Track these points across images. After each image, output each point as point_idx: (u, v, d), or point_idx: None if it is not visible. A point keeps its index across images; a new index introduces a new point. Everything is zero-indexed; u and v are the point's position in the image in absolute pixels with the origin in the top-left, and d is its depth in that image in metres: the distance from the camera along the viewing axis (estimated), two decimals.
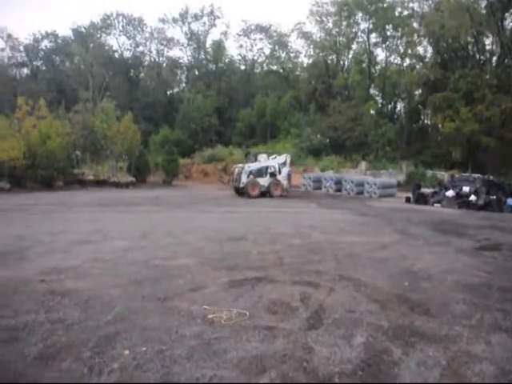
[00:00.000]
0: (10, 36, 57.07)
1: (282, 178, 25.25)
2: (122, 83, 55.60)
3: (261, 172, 24.99)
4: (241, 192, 24.45)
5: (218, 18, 58.41)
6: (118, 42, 61.09)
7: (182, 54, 61.96)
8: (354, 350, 4.56)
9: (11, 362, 4.14)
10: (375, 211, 18.51)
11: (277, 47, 58.47)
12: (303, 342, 4.71)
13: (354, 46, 50.69)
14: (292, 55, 59.25)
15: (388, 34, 45.69)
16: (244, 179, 24.27)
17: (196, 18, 58.44)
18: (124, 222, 13.86)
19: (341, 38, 50.24)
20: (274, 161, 25.74)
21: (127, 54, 61.32)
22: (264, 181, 24.81)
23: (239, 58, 61.66)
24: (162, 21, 59.19)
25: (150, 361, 4.18)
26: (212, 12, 58.04)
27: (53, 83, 55.60)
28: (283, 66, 58.85)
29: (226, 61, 60.56)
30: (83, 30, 59.13)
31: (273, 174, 25.11)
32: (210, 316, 5.30)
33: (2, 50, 58.35)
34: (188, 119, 48.03)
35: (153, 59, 62.32)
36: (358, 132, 38.79)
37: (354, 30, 48.78)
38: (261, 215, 16.29)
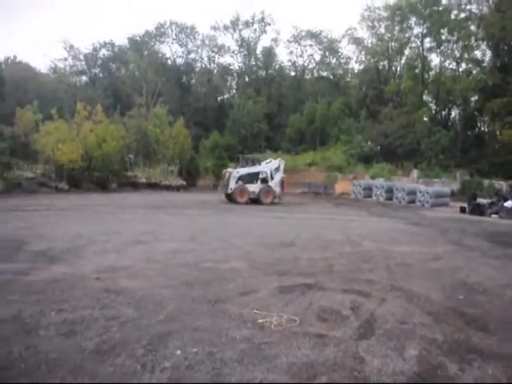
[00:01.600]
0: (71, 46, 60.32)
1: (274, 184, 24.01)
2: (174, 89, 57.01)
3: (251, 178, 23.77)
4: (230, 198, 23.32)
5: (269, 24, 58.88)
6: (170, 50, 62.84)
7: (233, 61, 62.95)
8: (406, 363, 4.40)
9: (70, 354, 4.28)
10: (428, 221, 17.93)
11: (327, 53, 58.15)
12: (354, 351, 4.60)
13: (407, 52, 49.60)
14: (342, 61, 58.82)
15: (443, 38, 44.31)
16: (232, 185, 23.12)
17: (247, 25, 59.19)
18: (175, 224, 14.15)
19: (393, 44, 49.30)
20: (267, 166, 24.48)
21: (179, 61, 62.98)
22: (254, 187, 23.61)
23: (289, 64, 61.86)
24: (214, 28, 60.41)
25: (200, 362, 4.20)
26: (263, 19, 58.55)
27: (109, 89, 57.81)
28: (333, 72, 58.41)
29: (276, 67, 60.84)
30: (138, 38, 61.24)
31: (264, 180, 23.96)
32: (260, 320, 5.28)
33: (65, 59, 61.58)
34: (238, 125, 48.59)
35: (204, 66, 63.60)
36: (410, 139, 37.83)
37: (406, 35, 47.71)
38: (310, 222, 16.17)
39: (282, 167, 24.61)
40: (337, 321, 5.43)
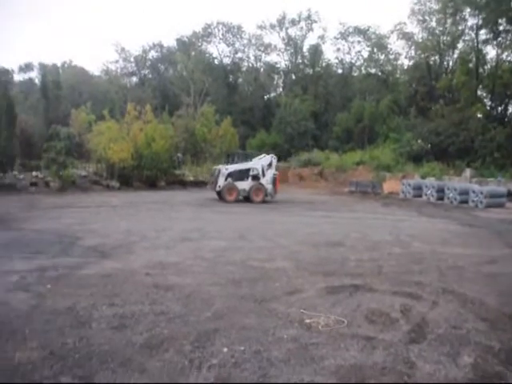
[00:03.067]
0: (123, 49, 62.38)
1: (266, 181, 22.67)
2: (222, 88, 57.58)
3: (242, 175, 22.52)
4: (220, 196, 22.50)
5: (316, 22, 58.23)
6: (217, 50, 63.42)
7: (279, 59, 62.71)
8: (460, 370, 4.22)
9: (120, 347, 4.41)
10: (482, 222, 17.17)
11: (375, 49, 56.75)
12: (404, 355, 4.47)
13: (460, 45, 47.46)
14: (391, 57, 57.12)
15: (501, 28, 42.09)
16: (221, 182, 22.10)
17: (293, 23, 58.82)
18: (221, 222, 14.31)
19: (445, 37, 47.45)
20: (258, 162, 23.10)
21: (226, 61, 63.44)
22: (245, 184, 22.41)
23: (336, 61, 60.83)
24: (260, 27, 60.43)
25: (247, 360, 4.21)
26: (309, 16, 58.02)
27: (158, 90, 59.14)
28: (382, 68, 56.97)
29: (323, 65, 60.10)
30: (186, 39, 62.27)
31: (255, 177, 22.59)
32: (308, 321, 5.24)
33: (116, 61, 63.76)
34: (284, 123, 48.44)
35: (251, 65, 63.82)
36: (463, 137, 36.34)
37: (460, 28, 45.73)
38: (358, 221, 15.88)
39: (274, 163, 23.29)
40: (386, 323, 5.31)
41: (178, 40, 62.58)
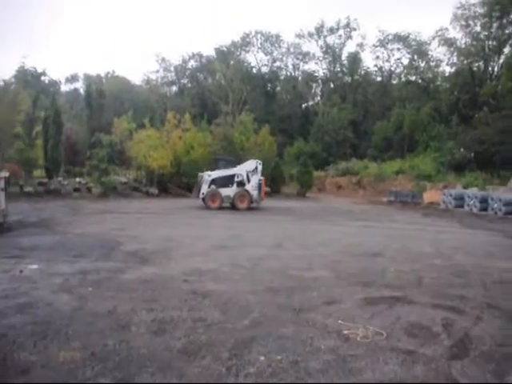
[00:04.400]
0: (163, 59, 63.98)
1: (251, 187, 22.03)
2: (260, 97, 57.89)
3: (226, 181, 21.98)
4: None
5: (354, 29, 57.74)
6: (256, 59, 63.89)
7: (318, 68, 62.47)
8: None
9: (159, 352, 4.46)
10: None
11: (416, 56, 55.60)
12: (446, 371, 4.32)
13: (507, 50, 45.86)
14: (432, 64, 55.80)
15: None
16: (205, 189, 21.61)
17: (332, 31, 58.59)
18: (259, 230, 14.32)
19: (490, 42, 46.07)
20: (242, 168, 22.54)
21: (264, 69, 63.80)
22: (230, 191, 21.84)
23: (375, 69, 60.06)
24: (298, 36, 60.48)
25: (284, 370, 4.17)
26: (348, 24, 57.62)
27: (196, 98, 60.06)
28: (422, 76, 55.72)
29: (362, 73, 59.48)
30: (225, 49, 63.08)
31: (241, 184, 22.03)
32: (346, 332, 5.15)
33: (157, 71, 65.40)
34: (323, 132, 48.19)
35: (289, 73, 63.96)
36: (510, 145, 35.06)
37: (506, 32, 44.33)
38: (397, 231, 15.54)
39: (259, 169, 22.55)
40: (427, 337, 5.14)
41: (216, 49, 63.50)
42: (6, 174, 13.29)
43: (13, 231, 12.47)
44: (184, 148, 29.88)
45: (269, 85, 62.74)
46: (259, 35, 61.88)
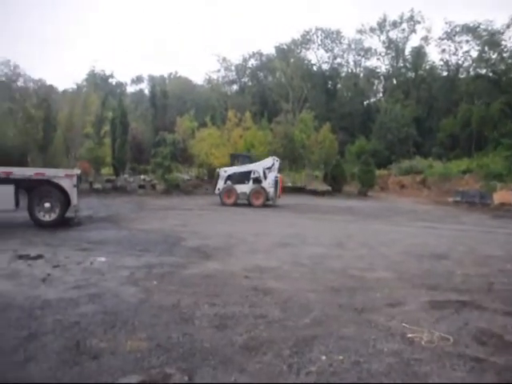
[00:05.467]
0: (224, 59, 65.16)
1: (267, 184, 21.79)
2: (320, 95, 57.43)
3: (242, 177, 21.95)
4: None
5: (419, 22, 55.77)
6: (316, 56, 63.48)
7: (380, 64, 61.08)
8: None
9: (221, 346, 4.54)
10: None
11: (487, 48, 52.50)
12: None
13: None
14: (506, 55, 52.39)
15: None
16: (220, 185, 21.73)
17: (395, 25, 56.98)
18: (320, 229, 14.20)
19: None
20: (259, 165, 22.44)
21: (325, 67, 63.28)
22: (246, 187, 21.78)
23: (441, 63, 57.58)
24: (360, 31, 59.45)
25: (346, 371, 4.11)
26: (412, 17, 55.76)
27: (257, 97, 60.54)
28: (494, 68, 52.62)
29: (427, 67, 57.30)
30: (285, 47, 63.10)
31: (257, 180, 21.94)
32: (410, 335, 4.99)
33: (218, 71, 66.68)
34: (385, 129, 47.01)
35: (350, 70, 62.99)
36: None
37: None
38: (464, 233, 14.83)
39: (276, 166, 22.31)
40: (498, 346, 4.86)
41: (276, 48, 63.70)
42: (78, 171, 14.01)
43: (83, 225, 13.16)
44: (245, 146, 30.25)
45: (329, 82, 62.11)
46: (319, 32, 61.48)
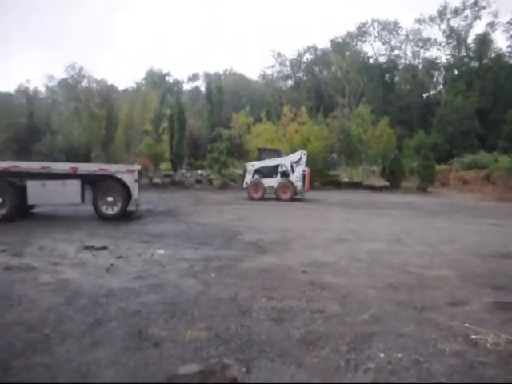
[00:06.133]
0: (279, 54, 65.19)
1: (295, 178, 21.52)
2: (377, 88, 56.12)
3: (269, 171, 21.91)
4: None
5: (483, 8, 52.87)
6: (372, 48, 62.08)
7: (440, 54, 58.68)
8: None
9: (278, 339, 4.57)
10: None
11: None
12: None
13: None
14: None
15: None
16: (248, 179, 21.81)
17: (456, 12, 54.47)
18: (377, 224, 13.92)
19: None
20: (286, 158, 22.19)
21: (382, 59, 61.71)
22: (273, 181, 21.68)
23: (509, 50, 54.32)
24: (418, 21, 57.47)
25: (405, 369, 4.02)
26: (476, 3, 52.91)
27: (312, 91, 60.07)
28: None
29: (492, 55, 54.26)
30: (340, 40, 62.10)
31: (285, 174, 21.73)
32: (473, 336, 4.79)
33: (273, 66, 66.78)
34: (445, 122, 45.21)
35: (408, 62, 61.06)
36: None
37: None
38: None
39: (304, 159, 21.93)
40: None
41: (332, 41, 62.89)
42: (138, 167, 14.53)
43: (143, 219, 13.67)
44: (300, 141, 30.12)
45: (387, 75, 60.57)
46: (376, 24, 60.11)
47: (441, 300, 6.03)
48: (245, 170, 22.59)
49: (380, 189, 30.11)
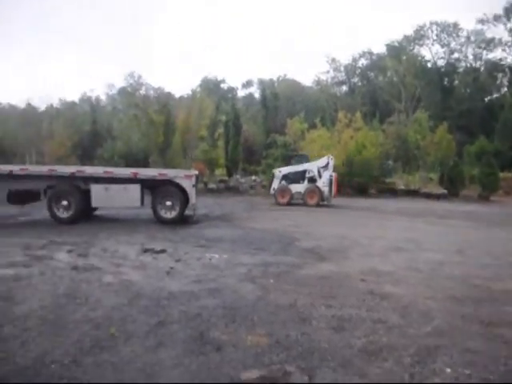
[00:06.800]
0: (333, 60, 64.65)
1: (322, 184, 21.26)
2: (435, 92, 54.33)
3: (297, 177, 21.81)
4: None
5: None
6: (431, 52, 60.18)
7: (505, 55, 55.93)
8: None
9: (339, 348, 4.53)
10: None
11: None
12: None
13: None
14: None
15: None
16: (276, 185, 21.83)
17: None
18: (436, 234, 13.45)
19: None
20: (313, 164, 22.02)
21: (440, 63, 59.67)
22: (301, 187, 21.56)
23: None
24: (481, 21, 55.07)
25: None
26: None
27: (367, 97, 59.07)
28: None
29: None
30: (396, 44, 60.65)
31: (312, 180, 21.56)
32: None
33: (327, 72, 66.26)
34: (510, 128, 43.00)
35: (469, 65, 58.67)
36: None
37: None
38: None
39: (331, 165, 21.63)
40: None
41: (387, 45, 61.54)
42: (196, 172, 14.87)
43: (200, 223, 13.94)
44: (356, 147, 29.66)
45: (445, 79, 58.50)
46: (434, 26, 58.10)
47: (510, 316, 5.75)
48: (272, 176, 22.66)
49: (438, 197, 29.06)
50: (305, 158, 23.80)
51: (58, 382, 3.82)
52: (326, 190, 21.40)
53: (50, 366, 4.06)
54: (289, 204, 21.26)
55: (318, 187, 21.50)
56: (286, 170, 22.59)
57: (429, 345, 4.67)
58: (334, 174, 21.79)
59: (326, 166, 21.72)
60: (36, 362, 4.11)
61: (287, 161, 25.27)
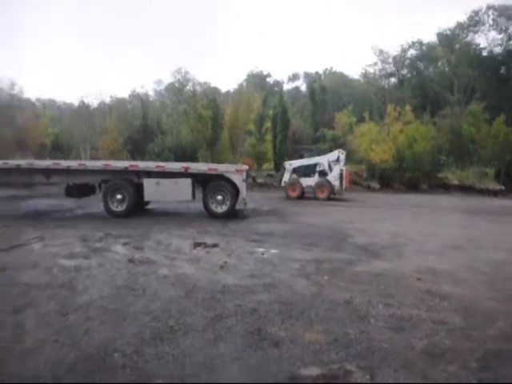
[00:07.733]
0: (381, 51, 62.65)
1: (332, 177, 21.19)
2: (491, 82, 51.74)
3: (308, 170, 21.72)
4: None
5: None
6: (486, 39, 57.01)
7: None
8: None
9: (400, 349, 4.42)
10: None
11: None
12: None
13: None
14: None
15: None
16: (286, 178, 21.66)
17: None
18: (495, 232, 12.91)
19: None
20: (324, 157, 21.88)
21: (497, 50, 56.63)
22: (311, 181, 21.45)
23: None
24: None
25: None
26: None
27: (417, 89, 56.96)
28: None
29: None
30: (448, 32, 58.14)
31: (323, 173, 21.43)
32: None
33: (375, 64, 64.38)
34: None
35: None
36: None
37: None
38: None
39: (342, 158, 21.44)
40: None
41: (438, 34, 59.01)
42: (246, 167, 14.93)
43: (250, 218, 14.01)
44: (406, 141, 28.90)
45: (502, 67, 55.51)
46: (491, 11, 55.10)
47: None
48: (283, 169, 22.60)
49: (494, 193, 27.86)
50: (316, 152, 23.88)
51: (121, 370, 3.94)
52: (336, 183, 21.45)
53: (113, 354, 4.21)
54: (300, 198, 21.29)
55: (328, 181, 21.48)
56: (296, 163, 22.57)
57: (495, 349, 4.50)
58: (345, 168, 21.83)
59: (336, 160, 21.68)
60: (100, 351, 4.27)
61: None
